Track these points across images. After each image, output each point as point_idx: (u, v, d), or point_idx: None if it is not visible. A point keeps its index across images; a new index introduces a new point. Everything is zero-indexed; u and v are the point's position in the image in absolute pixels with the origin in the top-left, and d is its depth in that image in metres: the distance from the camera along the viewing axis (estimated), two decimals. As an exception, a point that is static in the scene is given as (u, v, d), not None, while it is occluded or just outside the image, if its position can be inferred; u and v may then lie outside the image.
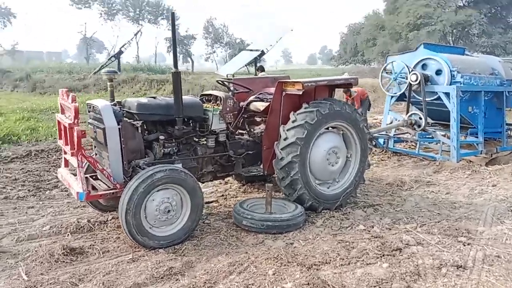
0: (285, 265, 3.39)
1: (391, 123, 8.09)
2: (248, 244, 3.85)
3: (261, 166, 4.84)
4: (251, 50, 28.94)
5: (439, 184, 6.10)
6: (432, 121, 8.76)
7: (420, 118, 7.40)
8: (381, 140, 7.78)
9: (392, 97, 8.12)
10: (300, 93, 4.51)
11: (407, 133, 7.98)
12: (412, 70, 7.49)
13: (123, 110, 4.08)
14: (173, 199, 3.71)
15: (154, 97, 4.25)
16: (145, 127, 4.19)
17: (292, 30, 28.19)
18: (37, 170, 6.34)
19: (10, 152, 7.33)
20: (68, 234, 4.00)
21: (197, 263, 3.44)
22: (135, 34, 31.40)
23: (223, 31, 65.23)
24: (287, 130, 4.52)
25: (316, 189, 4.68)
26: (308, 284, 3.08)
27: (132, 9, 66.66)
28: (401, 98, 8.05)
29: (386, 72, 8.29)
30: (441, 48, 8.03)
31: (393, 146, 8.00)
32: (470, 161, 7.56)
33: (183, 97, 4.35)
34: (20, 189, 5.44)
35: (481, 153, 7.55)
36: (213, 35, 64.98)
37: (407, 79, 7.56)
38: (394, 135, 8.04)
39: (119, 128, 3.77)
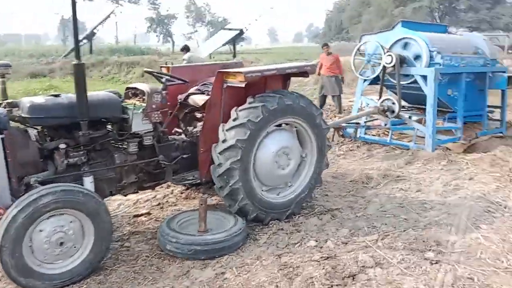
0: (206, 307, 2.73)
1: (362, 109, 7.42)
2: (169, 276, 3.15)
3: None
4: (230, 29, 27.98)
5: (409, 179, 5.47)
6: (408, 105, 8.13)
7: (394, 104, 6.73)
8: (350, 130, 7.10)
9: (364, 80, 7.42)
10: (243, 85, 3.79)
11: (377, 119, 7.31)
12: (387, 51, 6.76)
13: (17, 113, 3.31)
14: (69, 227, 2.96)
15: (57, 95, 3.46)
16: (44, 133, 3.43)
17: (272, 8, 27.32)
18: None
19: None
20: None
21: (94, 310, 2.76)
22: (108, 15, 29.91)
23: (205, 10, 63.58)
24: (227, 130, 3.81)
25: (263, 197, 4.01)
26: (227, 338, 2.42)
27: (111, -12, 64.53)
28: (375, 81, 7.36)
29: (360, 53, 7.57)
30: (421, 26, 7.30)
31: (364, 135, 7.33)
32: (447, 148, 6.97)
33: (96, 93, 3.60)
34: None
35: (459, 140, 6.94)
36: (195, 14, 63.35)
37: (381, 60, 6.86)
38: (365, 122, 7.37)
39: (2, 138, 3.01)
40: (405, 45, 6.80)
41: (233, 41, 26.49)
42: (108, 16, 27.74)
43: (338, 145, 7.15)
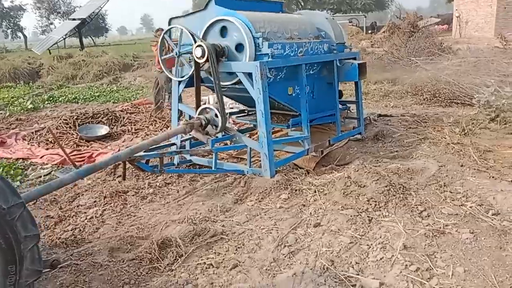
0: None
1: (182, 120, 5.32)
2: None
3: None
4: (73, 19, 24.03)
5: (230, 237, 3.55)
6: (250, 108, 6.31)
7: (217, 115, 4.76)
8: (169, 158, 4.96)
9: (180, 82, 5.33)
10: None
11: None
12: (199, 40, 4.73)
13: None
14: None
15: None
16: None
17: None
18: None
19: None
20: None
21: None
22: None
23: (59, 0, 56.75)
24: None
25: None
26: None
27: None
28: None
29: (173, 43, 5.44)
30: (242, 4, 5.33)
31: (183, 159, 5.31)
32: (295, 165, 5.30)
33: None
34: None
35: (307, 153, 5.30)
36: (47, 4, 56.17)
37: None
38: (182, 141, 5.31)
39: None
40: (224, 31, 4.84)
41: (79, 32, 22.62)
42: None
43: (150, 178, 5.00)
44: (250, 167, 4.89)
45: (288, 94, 5.32)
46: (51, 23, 56.03)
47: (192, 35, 4.79)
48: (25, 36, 55.01)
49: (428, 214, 3.71)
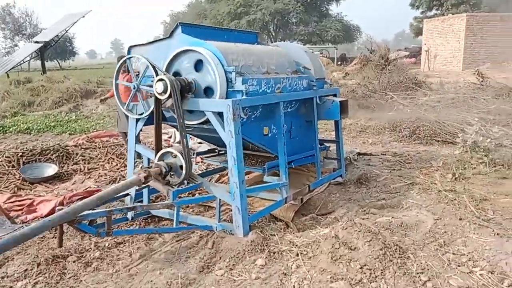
0: None
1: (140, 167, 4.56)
2: None
3: None
4: (36, 42, 22.95)
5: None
6: (220, 148, 5.63)
7: (175, 156, 4.03)
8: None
9: (138, 120, 4.60)
10: None
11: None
12: (161, 73, 4.05)
13: None
14: None
15: None
16: None
17: (84, 16, 23.10)
18: None
19: None
20: None
21: None
22: None
23: (25, 21, 55.31)
24: None
25: None
26: None
27: None
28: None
29: (129, 74, 4.74)
30: (213, 33, 4.73)
31: (138, 212, 4.52)
32: (272, 216, 4.63)
33: None
34: None
35: (285, 202, 4.63)
36: (13, 25, 54.60)
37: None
38: (138, 190, 4.53)
39: None
40: (189, 63, 4.19)
41: (41, 55, 21.52)
42: None
43: (94, 239, 4.15)
44: (219, 221, 4.16)
45: (264, 135, 4.69)
46: (16, 45, 54.29)
47: (153, 67, 4.11)
48: (-14, 58, 52.95)
49: (434, 285, 3.09)
